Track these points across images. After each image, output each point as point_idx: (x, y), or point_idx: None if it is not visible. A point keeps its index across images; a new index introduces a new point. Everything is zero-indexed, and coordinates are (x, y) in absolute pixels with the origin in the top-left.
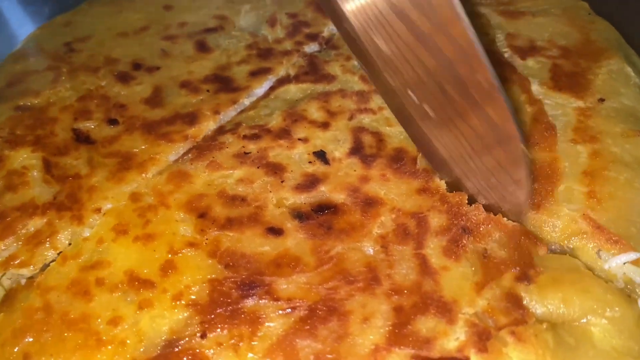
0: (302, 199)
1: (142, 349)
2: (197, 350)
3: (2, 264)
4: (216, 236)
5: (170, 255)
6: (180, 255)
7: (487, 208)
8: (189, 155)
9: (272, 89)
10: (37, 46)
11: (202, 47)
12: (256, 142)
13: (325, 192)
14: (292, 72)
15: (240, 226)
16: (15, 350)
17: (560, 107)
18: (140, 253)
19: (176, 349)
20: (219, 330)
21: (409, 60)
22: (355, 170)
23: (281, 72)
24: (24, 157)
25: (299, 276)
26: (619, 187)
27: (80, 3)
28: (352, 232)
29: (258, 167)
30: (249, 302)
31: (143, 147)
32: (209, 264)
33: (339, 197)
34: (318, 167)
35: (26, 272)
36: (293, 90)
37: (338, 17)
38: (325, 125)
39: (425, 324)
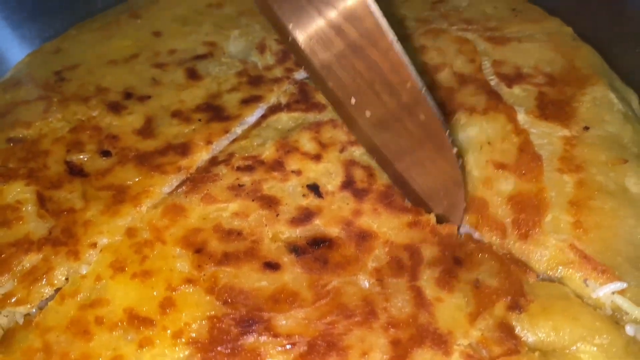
0: (298, 233)
1: None
2: None
3: None
4: (213, 272)
5: (168, 292)
6: (179, 292)
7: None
8: (183, 187)
9: (263, 117)
10: (27, 75)
11: (193, 75)
12: (250, 174)
13: (320, 225)
14: (283, 100)
15: (237, 261)
16: None
17: (546, 136)
18: (139, 290)
19: None
20: None
21: (346, 68)
22: (348, 204)
23: (272, 99)
24: (18, 191)
25: (297, 311)
26: (605, 217)
27: (68, 27)
28: (347, 265)
29: (253, 200)
30: (249, 339)
31: (136, 179)
32: (207, 300)
33: (334, 230)
34: (312, 201)
35: (23, 310)
36: (284, 119)
37: (283, 30)
38: (317, 158)
39: (423, 356)
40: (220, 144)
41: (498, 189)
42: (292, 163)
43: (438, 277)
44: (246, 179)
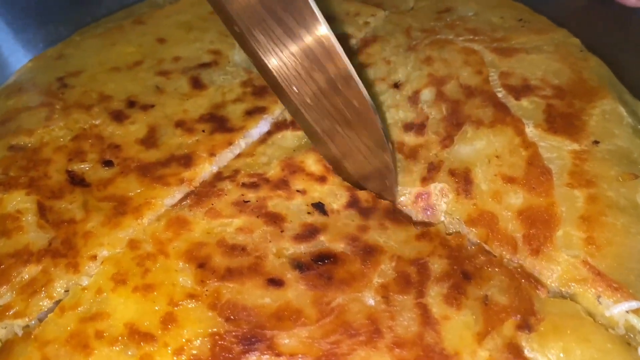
0: (302, 249)
1: None
2: None
3: None
4: (216, 287)
5: (170, 307)
6: (181, 307)
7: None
8: (188, 201)
9: (269, 133)
10: (29, 80)
11: (197, 84)
12: (255, 191)
13: (324, 241)
14: (288, 117)
15: (240, 277)
16: None
17: (555, 150)
18: (140, 304)
19: None
20: None
21: (277, 53)
22: (353, 221)
23: (276, 111)
24: (18, 201)
25: (300, 330)
26: (617, 233)
27: (72, 33)
28: (352, 282)
29: (257, 217)
30: (251, 358)
31: (138, 190)
32: (209, 316)
33: (339, 246)
34: (317, 218)
35: (21, 322)
36: (289, 137)
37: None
38: (322, 180)
39: None
40: (224, 157)
41: (507, 203)
42: (297, 183)
43: (446, 293)
44: (251, 195)
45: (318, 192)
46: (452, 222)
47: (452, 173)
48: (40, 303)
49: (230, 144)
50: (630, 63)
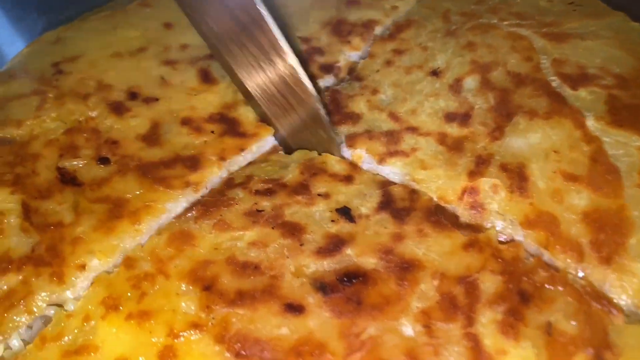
0: (325, 266)
1: None
2: None
3: None
4: (224, 315)
5: (169, 340)
6: (182, 339)
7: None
8: (193, 212)
9: None
10: (23, 66)
11: (206, 77)
12: (270, 199)
13: (352, 256)
14: None
15: (252, 302)
16: None
17: (622, 145)
18: (135, 335)
19: None
20: None
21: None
22: (386, 228)
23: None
24: (1, 200)
25: None
26: None
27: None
28: (386, 307)
29: (273, 228)
30: None
31: (137, 192)
32: (216, 351)
33: (369, 261)
34: (342, 226)
35: None
36: None
37: None
38: (348, 180)
39: None
40: (235, 162)
41: (569, 203)
42: (319, 185)
43: (501, 319)
44: (265, 203)
45: (343, 194)
46: (506, 224)
47: (504, 168)
48: (17, 319)
49: (241, 150)
50: None
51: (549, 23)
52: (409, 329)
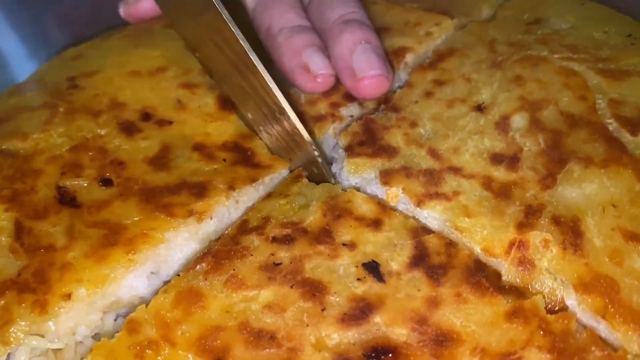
0: (350, 337)
1: None
2: None
3: None
4: None
5: None
6: None
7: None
8: (203, 264)
9: None
10: (39, 79)
11: (225, 104)
12: (289, 248)
13: (380, 324)
14: (343, 142)
15: None
16: None
17: None
18: None
19: None
20: None
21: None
22: (419, 290)
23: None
24: None
25: None
26: None
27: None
28: None
29: (292, 287)
30: None
31: (136, 218)
32: None
33: (400, 332)
34: (370, 286)
35: None
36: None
37: None
38: (376, 225)
39: None
40: (245, 193)
41: (631, 266)
42: (344, 232)
43: None
44: (284, 254)
45: (371, 243)
46: (556, 285)
47: (556, 221)
48: None
49: (253, 180)
50: None
51: (605, 58)
52: None
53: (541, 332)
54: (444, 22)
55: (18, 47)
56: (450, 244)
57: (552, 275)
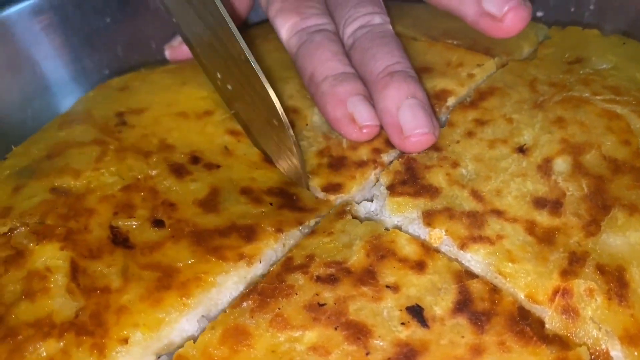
0: None
1: None
2: None
3: None
4: None
5: None
6: None
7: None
8: (250, 302)
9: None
10: (87, 111)
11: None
12: (333, 288)
13: None
14: (385, 181)
15: None
16: None
17: None
18: None
19: None
20: None
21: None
22: (463, 337)
23: (353, 189)
24: (50, 256)
25: None
26: None
27: (141, 62)
28: None
29: (336, 328)
30: None
31: (189, 261)
32: None
33: None
34: (414, 331)
35: None
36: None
37: None
38: (420, 267)
39: None
40: (292, 236)
41: None
42: (387, 273)
43: None
44: (328, 294)
45: (415, 286)
46: (601, 335)
47: (600, 269)
48: None
49: (300, 223)
50: None
51: None
52: None
53: None
54: (486, 62)
55: (61, 70)
56: (494, 290)
57: (596, 325)
